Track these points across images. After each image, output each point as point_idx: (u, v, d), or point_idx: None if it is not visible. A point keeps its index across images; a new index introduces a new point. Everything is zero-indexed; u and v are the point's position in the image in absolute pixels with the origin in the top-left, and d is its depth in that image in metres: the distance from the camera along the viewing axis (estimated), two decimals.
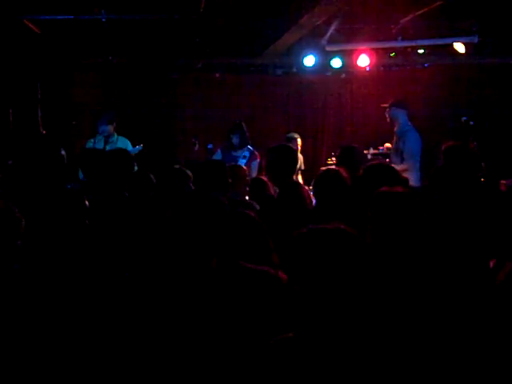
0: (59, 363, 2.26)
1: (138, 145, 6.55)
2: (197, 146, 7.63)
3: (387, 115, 6.51)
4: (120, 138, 6.70)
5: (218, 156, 6.98)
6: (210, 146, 7.32)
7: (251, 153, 6.97)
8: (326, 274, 1.69)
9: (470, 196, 3.30)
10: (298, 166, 7.72)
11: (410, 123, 6.42)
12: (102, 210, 3.57)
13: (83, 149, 5.38)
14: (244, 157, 6.93)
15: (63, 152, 4.41)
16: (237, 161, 6.78)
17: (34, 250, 2.68)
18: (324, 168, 4.31)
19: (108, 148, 6.36)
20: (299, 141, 7.82)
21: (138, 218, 3.65)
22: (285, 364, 1.73)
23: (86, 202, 3.34)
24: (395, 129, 6.51)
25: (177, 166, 4.23)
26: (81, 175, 6.21)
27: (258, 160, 6.92)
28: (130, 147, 6.51)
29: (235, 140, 7.01)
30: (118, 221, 3.55)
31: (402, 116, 6.39)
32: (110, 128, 6.61)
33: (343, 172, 3.95)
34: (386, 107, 6.57)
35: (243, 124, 7.15)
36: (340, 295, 1.70)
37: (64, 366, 2.27)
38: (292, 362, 1.73)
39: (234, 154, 6.99)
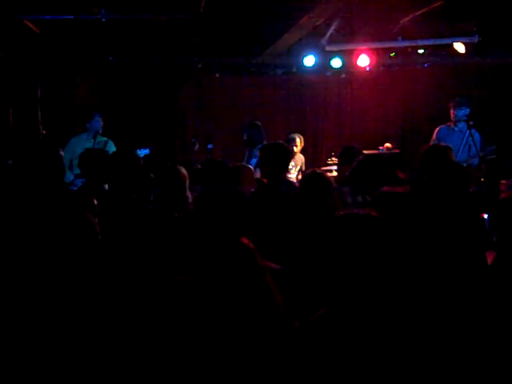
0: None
1: (145, 148, 6.52)
2: (197, 145, 7.63)
3: (455, 114, 6.89)
4: (103, 138, 6.62)
5: (253, 162, 6.98)
6: (209, 146, 7.33)
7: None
8: (360, 255, 2.00)
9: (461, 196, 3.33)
10: (299, 166, 7.72)
11: None
12: (112, 210, 3.56)
13: (88, 149, 5.37)
14: (255, 156, 6.97)
15: (62, 152, 4.40)
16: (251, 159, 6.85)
17: (39, 250, 2.67)
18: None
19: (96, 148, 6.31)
20: (298, 141, 7.81)
21: (144, 218, 3.64)
22: (322, 338, 2.01)
23: (95, 201, 3.32)
24: (453, 126, 6.90)
25: (171, 165, 4.21)
26: (71, 176, 6.17)
27: None
28: (113, 148, 6.47)
29: (244, 137, 7.04)
30: (128, 220, 3.54)
31: (467, 114, 6.81)
32: (102, 125, 6.59)
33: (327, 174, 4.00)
34: (452, 106, 6.91)
35: (256, 124, 7.14)
36: (371, 272, 2.01)
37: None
38: (327, 335, 2.01)
39: (252, 153, 7.03)
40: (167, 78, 8.99)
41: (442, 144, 5.10)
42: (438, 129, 7.09)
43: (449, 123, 7.02)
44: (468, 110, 6.88)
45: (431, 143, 7.06)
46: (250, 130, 7.07)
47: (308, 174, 4.02)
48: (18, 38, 7.12)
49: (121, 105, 8.70)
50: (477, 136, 6.71)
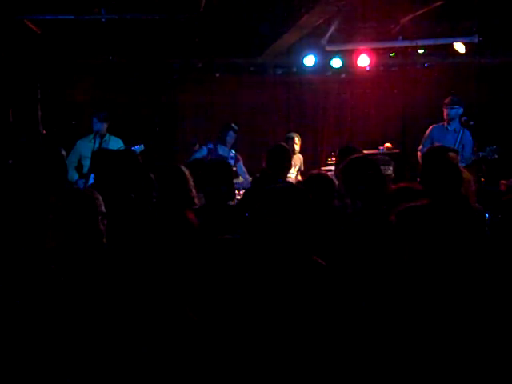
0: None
1: (139, 144, 6.56)
2: (197, 146, 7.64)
3: (447, 112, 6.90)
4: (112, 137, 6.72)
5: (203, 152, 7.06)
6: (210, 146, 7.34)
7: (235, 155, 7.13)
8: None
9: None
10: (298, 166, 7.74)
11: None
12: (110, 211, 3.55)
13: (99, 150, 5.42)
14: (232, 157, 7.06)
15: (64, 152, 4.42)
16: (226, 159, 6.91)
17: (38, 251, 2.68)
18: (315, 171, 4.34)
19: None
20: (297, 140, 7.84)
21: (145, 219, 3.64)
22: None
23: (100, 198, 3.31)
24: (447, 125, 6.92)
25: (175, 165, 4.19)
26: (75, 176, 6.28)
27: (241, 161, 7.27)
28: (116, 145, 6.54)
29: (231, 138, 7.11)
30: (125, 221, 3.54)
31: (459, 114, 6.88)
32: (105, 126, 6.66)
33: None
34: (446, 104, 6.94)
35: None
36: None
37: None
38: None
39: (221, 153, 7.09)
40: (167, 78, 8.99)
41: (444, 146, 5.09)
42: (430, 128, 7.10)
43: (442, 123, 7.02)
44: (461, 109, 6.90)
45: (423, 142, 7.07)
46: (235, 131, 7.18)
47: (313, 175, 4.03)
48: (18, 38, 7.12)
49: (121, 105, 8.68)
50: (469, 136, 6.80)
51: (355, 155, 3.92)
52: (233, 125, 7.28)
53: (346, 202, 3.86)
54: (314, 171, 4.34)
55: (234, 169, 6.69)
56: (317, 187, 3.78)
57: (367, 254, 3.07)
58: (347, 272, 3.01)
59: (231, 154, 7.13)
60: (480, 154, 6.59)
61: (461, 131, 6.75)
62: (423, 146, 6.98)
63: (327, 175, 3.99)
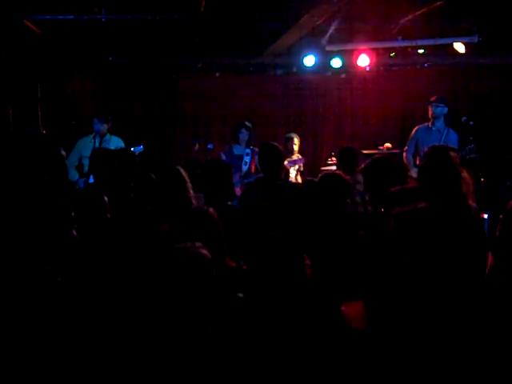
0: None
1: (139, 145, 6.57)
2: (197, 146, 7.63)
3: (432, 110, 6.83)
4: (113, 137, 6.75)
5: (222, 158, 7.02)
6: (210, 146, 7.32)
7: (253, 150, 7.04)
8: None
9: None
10: (298, 166, 7.73)
11: None
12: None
13: (97, 149, 5.44)
14: (247, 154, 7.00)
15: (64, 152, 4.42)
16: (241, 158, 6.87)
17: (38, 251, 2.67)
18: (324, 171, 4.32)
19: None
20: (296, 140, 7.83)
21: (142, 219, 3.65)
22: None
23: (105, 198, 3.33)
24: (431, 125, 6.83)
25: (172, 167, 4.19)
26: (75, 176, 6.31)
27: None
28: (117, 144, 6.57)
29: (244, 136, 7.07)
30: (124, 220, 3.54)
31: (444, 113, 6.82)
32: (105, 127, 6.68)
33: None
34: (431, 102, 6.87)
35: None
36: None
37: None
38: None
39: (236, 153, 7.05)
40: (167, 78, 8.99)
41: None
42: (415, 129, 7.07)
43: (426, 123, 6.99)
44: (446, 108, 6.84)
45: (408, 143, 7.07)
46: (248, 129, 7.13)
47: (328, 174, 4.01)
48: (18, 38, 7.12)
49: (121, 105, 8.69)
50: (454, 136, 6.74)
51: (377, 155, 3.93)
52: (246, 122, 7.23)
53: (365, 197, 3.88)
54: (330, 171, 4.31)
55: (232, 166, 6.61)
56: (331, 187, 3.75)
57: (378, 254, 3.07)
58: (359, 272, 3.03)
59: (247, 151, 7.07)
60: (460, 153, 6.56)
61: (445, 131, 6.73)
62: (408, 147, 6.98)
63: (342, 175, 3.94)
